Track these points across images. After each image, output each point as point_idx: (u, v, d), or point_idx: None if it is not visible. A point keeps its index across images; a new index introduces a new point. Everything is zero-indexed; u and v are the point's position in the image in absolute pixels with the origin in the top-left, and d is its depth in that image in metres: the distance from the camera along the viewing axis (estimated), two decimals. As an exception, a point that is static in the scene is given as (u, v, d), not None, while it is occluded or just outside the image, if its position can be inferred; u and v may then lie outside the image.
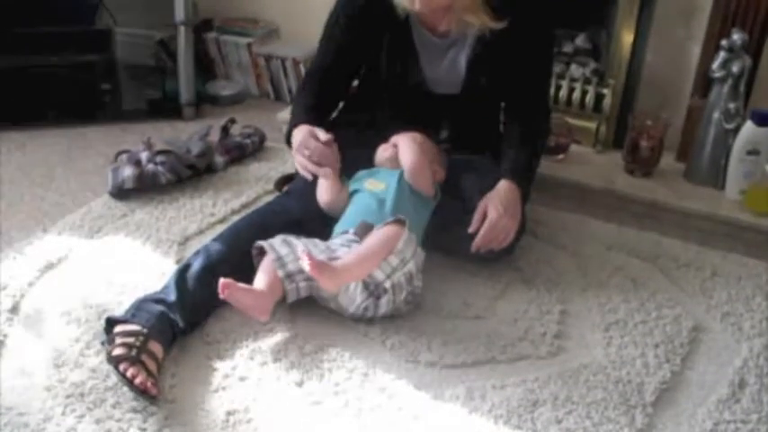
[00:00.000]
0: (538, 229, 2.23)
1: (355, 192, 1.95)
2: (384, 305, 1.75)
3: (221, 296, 1.65)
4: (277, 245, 1.77)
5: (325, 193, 1.95)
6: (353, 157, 2.00)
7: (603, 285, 2.02)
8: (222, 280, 1.63)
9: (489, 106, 2.16)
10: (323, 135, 1.93)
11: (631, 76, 2.56)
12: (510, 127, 2.11)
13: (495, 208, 1.90)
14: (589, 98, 2.61)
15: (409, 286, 1.76)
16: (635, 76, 2.56)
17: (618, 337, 1.83)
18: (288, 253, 1.75)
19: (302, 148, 1.95)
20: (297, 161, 1.98)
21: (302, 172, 1.97)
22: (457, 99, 2.07)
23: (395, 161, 1.97)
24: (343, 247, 1.80)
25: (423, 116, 2.04)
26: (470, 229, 1.89)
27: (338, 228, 1.90)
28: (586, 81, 2.62)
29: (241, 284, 1.67)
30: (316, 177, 1.94)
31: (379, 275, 1.71)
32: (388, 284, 1.72)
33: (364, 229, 1.82)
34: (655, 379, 1.72)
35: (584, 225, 2.29)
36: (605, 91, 2.57)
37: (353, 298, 1.74)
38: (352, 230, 1.84)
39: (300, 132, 2.00)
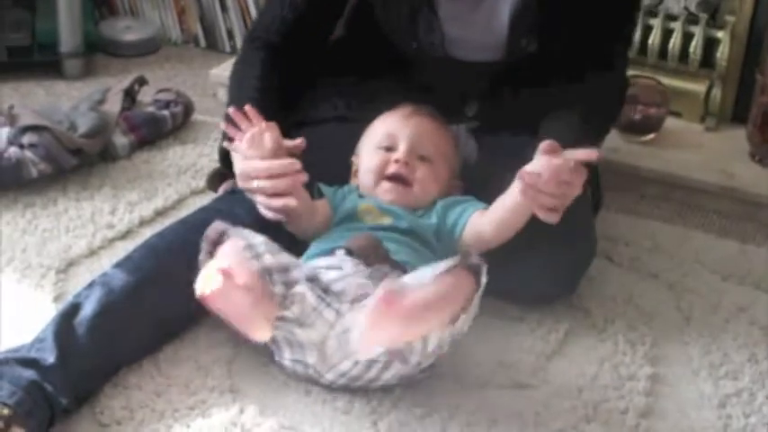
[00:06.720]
0: (614, 248, 1.94)
1: (341, 210, 1.69)
2: (390, 374, 1.48)
3: (203, 296, 1.37)
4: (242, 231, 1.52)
5: (291, 222, 1.66)
6: (328, 157, 1.72)
7: (717, 335, 1.75)
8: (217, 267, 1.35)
9: (539, 75, 1.87)
10: (289, 141, 1.65)
11: (762, 9, 2.18)
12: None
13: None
14: (695, 46, 2.25)
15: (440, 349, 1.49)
16: (767, 11, 2.21)
17: (740, 416, 1.56)
18: (262, 242, 1.49)
19: (247, 177, 1.65)
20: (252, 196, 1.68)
21: (263, 211, 1.67)
22: (492, 68, 1.81)
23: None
24: (331, 270, 1.50)
25: (441, 88, 1.77)
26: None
27: (316, 244, 1.63)
28: (690, 19, 2.26)
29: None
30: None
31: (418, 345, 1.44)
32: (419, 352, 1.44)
33: (365, 247, 1.53)
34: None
35: (687, 242, 2.02)
36: (720, 34, 2.22)
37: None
38: (344, 244, 1.55)
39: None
